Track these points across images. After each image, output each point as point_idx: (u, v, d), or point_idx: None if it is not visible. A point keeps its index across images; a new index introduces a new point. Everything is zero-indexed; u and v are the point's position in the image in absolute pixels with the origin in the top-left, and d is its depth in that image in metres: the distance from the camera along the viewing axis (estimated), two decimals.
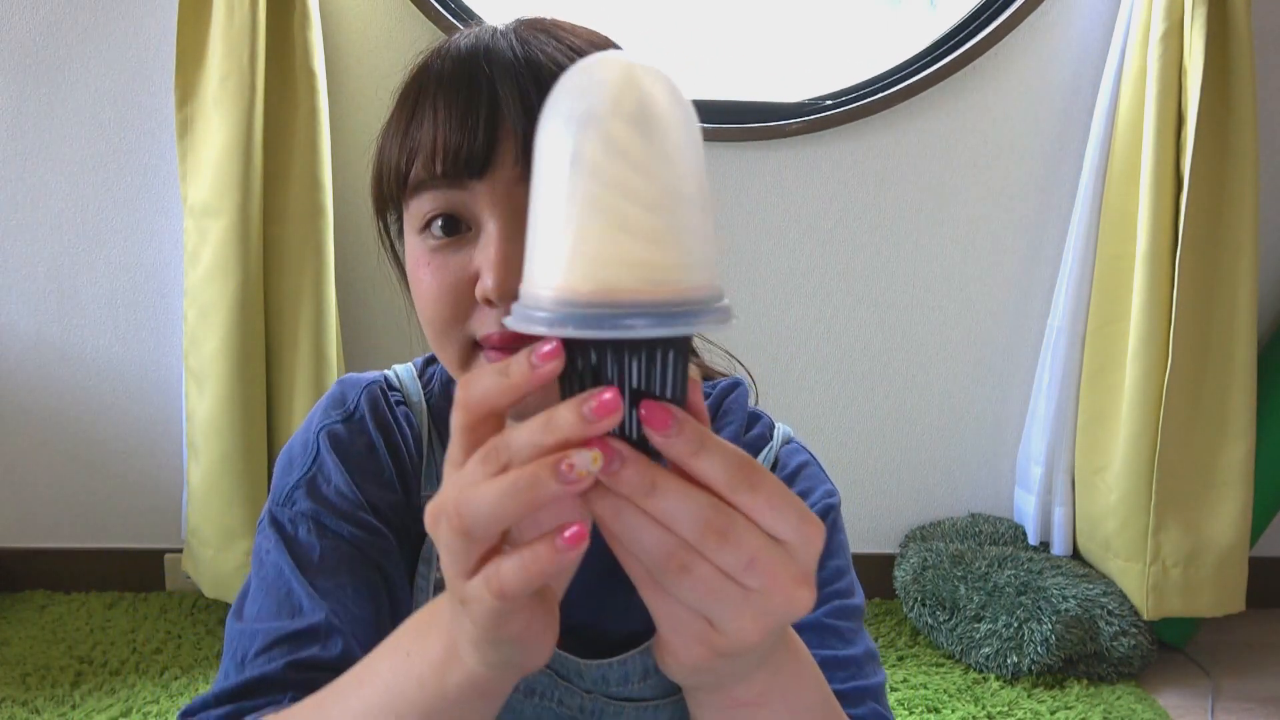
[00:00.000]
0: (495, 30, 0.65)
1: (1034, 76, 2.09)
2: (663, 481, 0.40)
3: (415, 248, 0.63)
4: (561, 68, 0.58)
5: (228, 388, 1.87)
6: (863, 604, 0.74)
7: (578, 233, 0.40)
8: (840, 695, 0.58)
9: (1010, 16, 2.03)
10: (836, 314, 2.19)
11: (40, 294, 2.06)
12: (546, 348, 0.40)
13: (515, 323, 0.41)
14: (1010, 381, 2.25)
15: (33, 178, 2.01)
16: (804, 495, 0.74)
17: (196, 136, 1.88)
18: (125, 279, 2.07)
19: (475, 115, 0.59)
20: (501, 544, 0.42)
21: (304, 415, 2.07)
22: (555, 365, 0.40)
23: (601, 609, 0.71)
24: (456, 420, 0.42)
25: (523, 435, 0.40)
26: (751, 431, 0.77)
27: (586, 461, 0.39)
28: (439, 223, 0.61)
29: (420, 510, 0.70)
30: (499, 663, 0.46)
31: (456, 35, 0.66)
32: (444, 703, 0.48)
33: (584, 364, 0.40)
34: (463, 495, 0.40)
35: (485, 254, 0.59)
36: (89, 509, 2.16)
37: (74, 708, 1.76)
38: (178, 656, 1.92)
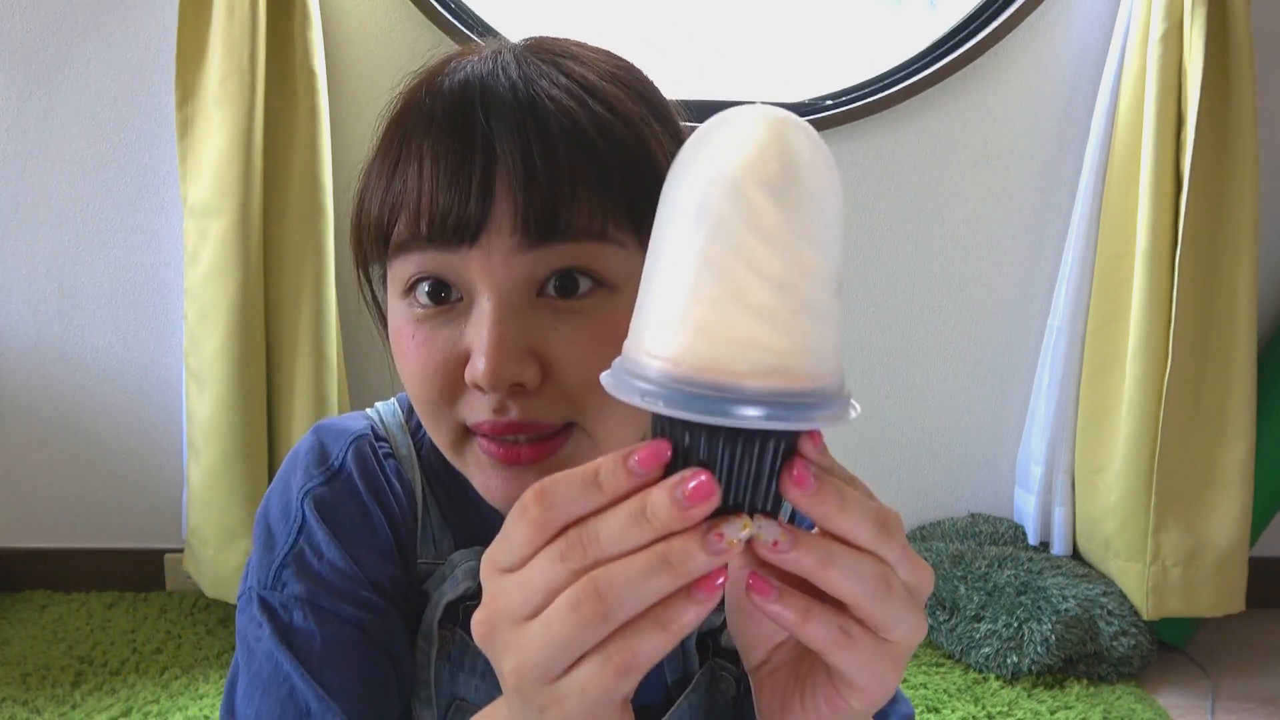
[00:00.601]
0: (496, 59, 0.56)
1: (1034, 76, 2.09)
2: (837, 552, 0.38)
3: (400, 313, 0.56)
4: (570, 114, 0.53)
5: (228, 388, 1.87)
6: (911, 711, 0.73)
7: (695, 301, 0.37)
8: None
9: (1010, 16, 2.03)
10: None
11: (40, 294, 2.06)
12: (693, 483, 0.36)
13: (613, 387, 0.38)
14: (1010, 381, 2.25)
15: (33, 178, 2.01)
16: None
17: (196, 136, 1.88)
18: (125, 279, 2.07)
19: (468, 173, 0.52)
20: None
21: (304, 415, 2.07)
22: (704, 508, 0.36)
23: None
24: (524, 524, 0.38)
25: (613, 528, 0.36)
26: None
27: (736, 530, 0.37)
28: (425, 288, 0.54)
29: (416, 578, 0.64)
30: None
31: (452, 62, 0.58)
32: None
33: (678, 442, 0.38)
34: (601, 574, 0.36)
35: (478, 334, 0.52)
36: (89, 509, 2.16)
37: (74, 708, 1.76)
38: (178, 656, 1.92)
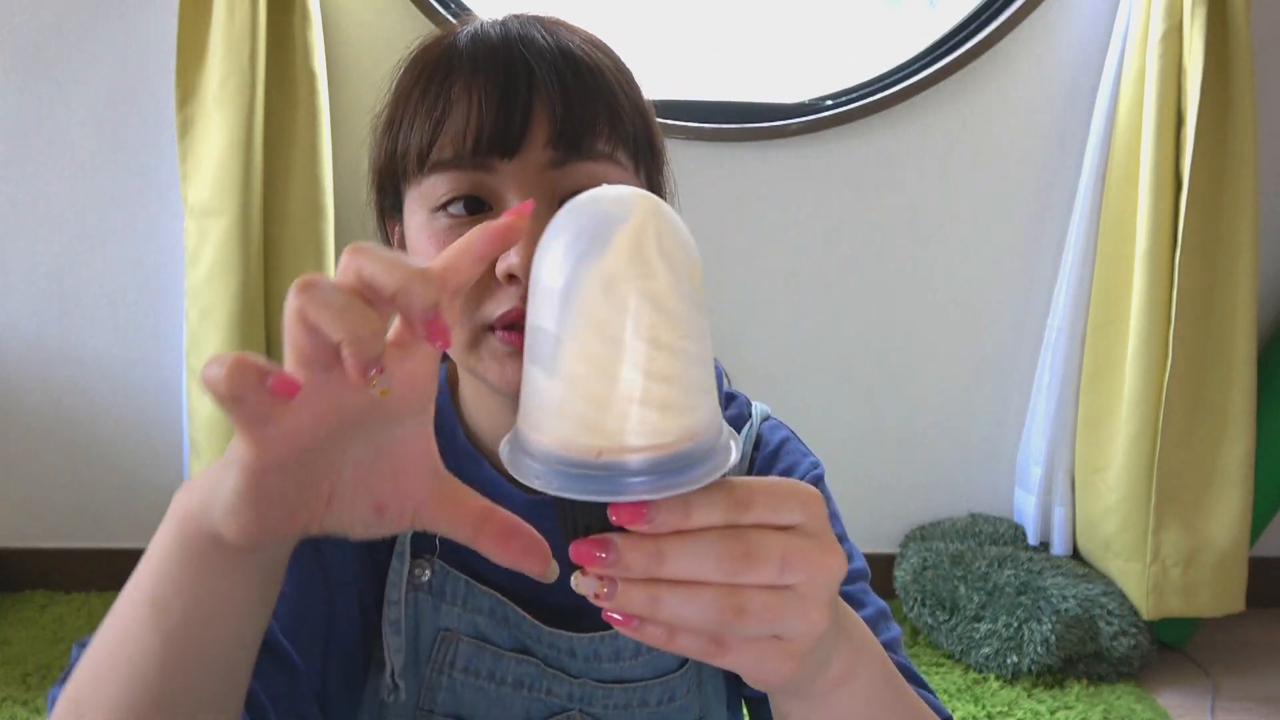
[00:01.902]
0: (514, 20, 0.65)
1: (1034, 76, 2.09)
2: (665, 544, 0.39)
3: (426, 227, 0.62)
4: (592, 58, 0.63)
5: None
6: (865, 566, 0.74)
7: (578, 388, 0.39)
8: None
9: (1010, 17, 2.03)
10: (836, 314, 2.19)
11: (40, 294, 2.06)
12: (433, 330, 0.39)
13: (512, 466, 0.42)
14: (1010, 381, 2.25)
15: (33, 178, 2.01)
16: (789, 471, 0.74)
17: (197, 136, 1.88)
18: (126, 279, 2.07)
19: (514, 97, 0.60)
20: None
21: None
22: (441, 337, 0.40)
23: None
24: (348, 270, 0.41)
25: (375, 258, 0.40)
26: (728, 411, 0.77)
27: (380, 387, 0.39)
28: (460, 202, 0.61)
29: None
30: (220, 508, 0.42)
31: (469, 24, 0.66)
32: (165, 553, 0.46)
33: (573, 515, 0.41)
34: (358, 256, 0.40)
35: None
36: (89, 509, 2.16)
37: None
38: None
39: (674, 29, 2.33)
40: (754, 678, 0.43)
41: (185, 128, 1.88)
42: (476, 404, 0.71)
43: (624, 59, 0.68)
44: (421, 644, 0.69)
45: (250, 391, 0.38)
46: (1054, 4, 2.05)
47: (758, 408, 0.78)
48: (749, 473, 0.74)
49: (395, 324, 0.43)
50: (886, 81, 2.10)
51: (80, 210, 2.03)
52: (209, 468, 0.44)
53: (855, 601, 0.70)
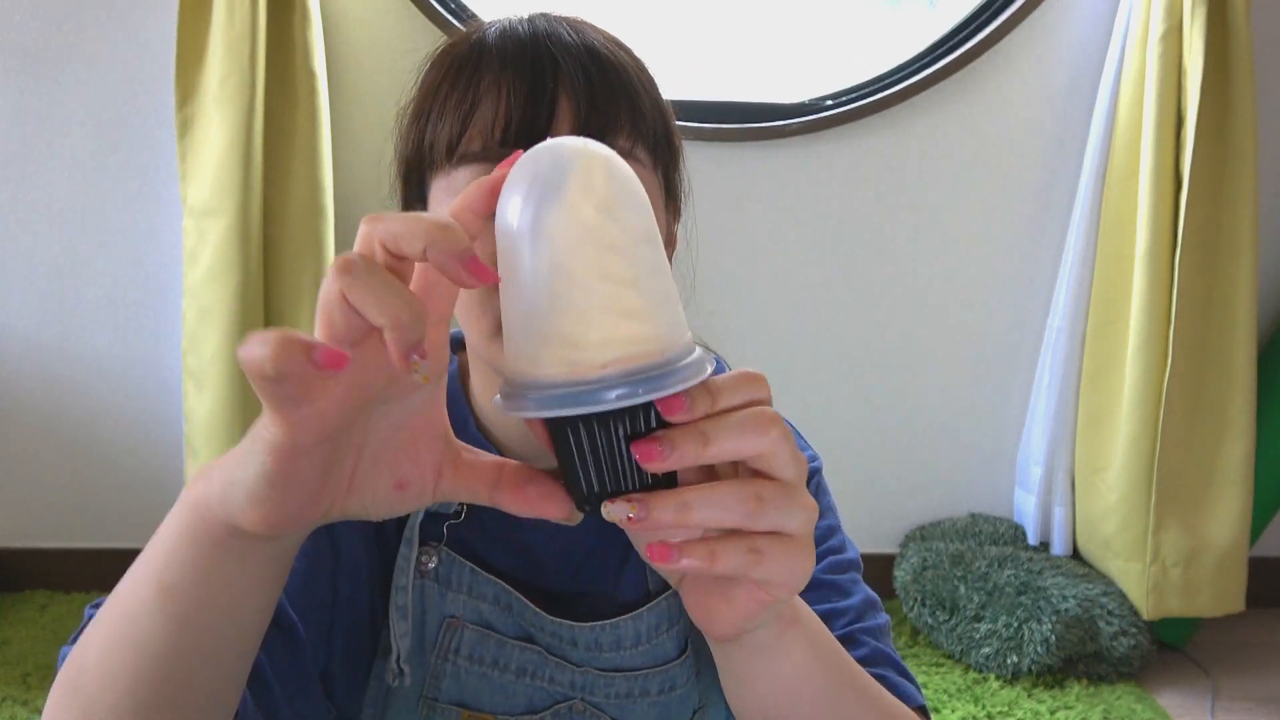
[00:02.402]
0: (541, 18, 0.67)
1: (1034, 77, 2.09)
2: (689, 495, 0.43)
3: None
4: (615, 56, 0.65)
5: (227, 388, 1.87)
6: (857, 557, 0.75)
7: (559, 313, 0.42)
8: (842, 641, 0.59)
9: (1010, 17, 2.03)
10: (836, 314, 2.19)
11: (40, 294, 2.06)
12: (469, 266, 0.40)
13: (508, 407, 0.43)
14: (1010, 381, 2.25)
15: (33, 178, 2.01)
16: None
17: (196, 136, 1.88)
18: (125, 279, 2.07)
19: (540, 90, 0.61)
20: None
21: None
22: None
23: (594, 580, 0.72)
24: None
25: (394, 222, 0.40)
26: None
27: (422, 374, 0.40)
28: None
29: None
30: (240, 495, 0.42)
31: (497, 22, 0.68)
32: (178, 536, 0.46)
33: (563, 441, 0.44)
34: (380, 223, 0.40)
35: None
36: (89, 509, 2.16)
37: None
38: None
39: (675, 29, 2.33)
40: (780, 580, 0.45)
41: (185, 128, 1.88)
42: (489, 395, 0.72)
43: (644, 60, 0.70)
44: (427, 630, 0.70)
45: (296, 367, 0.38)
46: (1054, 4, 2.05)
47: None
48: None
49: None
50: (886, 81, 2.10)
51: (80, 210, 2.03)
52: (225, 456, 0.44)
53: (842, 592, 0.71)
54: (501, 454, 0.71)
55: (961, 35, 2.09)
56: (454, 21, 1.97)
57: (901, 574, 2.15)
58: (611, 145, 0.60)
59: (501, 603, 0.70)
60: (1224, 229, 1.97)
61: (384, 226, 0.40)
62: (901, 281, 2.18)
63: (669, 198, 0.71)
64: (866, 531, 2.28)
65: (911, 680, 0.68)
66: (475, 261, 0.40)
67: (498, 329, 0.62)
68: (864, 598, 0.72)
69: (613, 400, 0.41)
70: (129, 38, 1.96)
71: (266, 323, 1.93)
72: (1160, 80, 1.91)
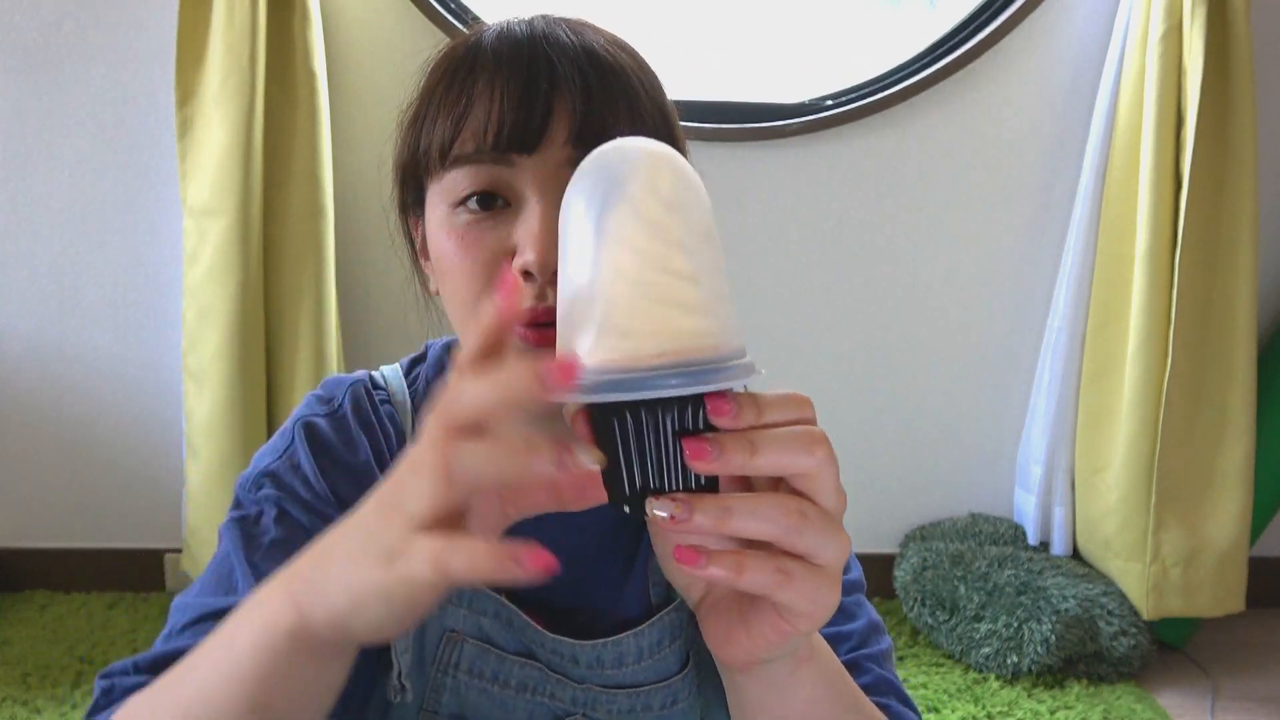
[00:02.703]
0: (540, 19, 0.65)
1: (1034, 77, 2.09)
2: (733, 501, 0.43)
3: (445, 222, 0.63)
4: (614, 56, 0.63)
5: (227, 388, 1.87)
6: (861, 577, 0.75)
7: (616, 304, 0.42)
8: (846, 666, 0.59)
9: (1010, 17, 2.03)
10: (836, 313, 2.19)
11: (40, 294, 2.06)
12: (551, 370, 0.39)
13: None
14: (1010, 381, 2.25)
15: (33, 178, 2.01)
16: None
17: (196, 136, 1.88)
18: (125, 279, 2.07)
19: (535, 92, 0.60)
20: (460, 520, 0.43)
21: None
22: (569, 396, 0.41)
23: (595, 595, 0.72)
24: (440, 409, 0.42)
25: (469, 390, 0.41)
26: None
27: (587, 460, 0.40)
28: (476, 198, 0.61)
29: None
30: (364, 624, 0.44)
31: (496, 24, 0.67)
32: (274, 656, 0.47)
33: (621, 425, 0.43)
34: (452, 446, 0.41)
35: (527, 227, 0.59)
36: (89, 509, 2.16)
37: (74, 707, 1.76)
38: None
39: (675, 29, 2.33)
40: (804, 610, 0.45)
41: (185, 128, 1.88)
42: None
43: (648, 61, 0.68)
44: (427, 645, 0.69)
45: (508, 580, 0.40)
46: (1054, 4, 2.05)
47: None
48: None
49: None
50: (886, 81, 2.10)
51: (80, 210, 2.03)
52: (313, 570, 0.47)
53: (848, 614, 0.71)
54: None
55: (961, 35, 2.09)
56: (454, 21, 1.97)
57: (901, 574, 2.15)
58: None
59: (502, 618, 0.70)
60: (1224, 229, 1.97)
61: (455, 411, 0.41)
62: (901, 281, 2.18)
63: None
64: (866, 531, 2.28)
65: (913, 709, 0.67)
66: (562, 366, 0.40)
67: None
68: (868, 621, 0.71)
69: (668, 387, 0.41)
70: (129, 38, 1.96)
71: (267, 322, 1.93)
72: (1160, 80, 1.91)
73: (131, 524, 2.16)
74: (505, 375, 0.40)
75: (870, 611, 0.72)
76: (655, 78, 0.67)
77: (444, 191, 0.63)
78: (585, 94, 0.60)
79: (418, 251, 0.71)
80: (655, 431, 0.42)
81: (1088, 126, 2.07)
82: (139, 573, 2.16)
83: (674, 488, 0.43)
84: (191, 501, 1.97)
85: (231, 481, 1.86)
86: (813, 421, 0.45)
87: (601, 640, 0.70)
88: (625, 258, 0.42)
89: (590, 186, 0.43)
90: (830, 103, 2.11)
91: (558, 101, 0.60)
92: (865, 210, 2.14)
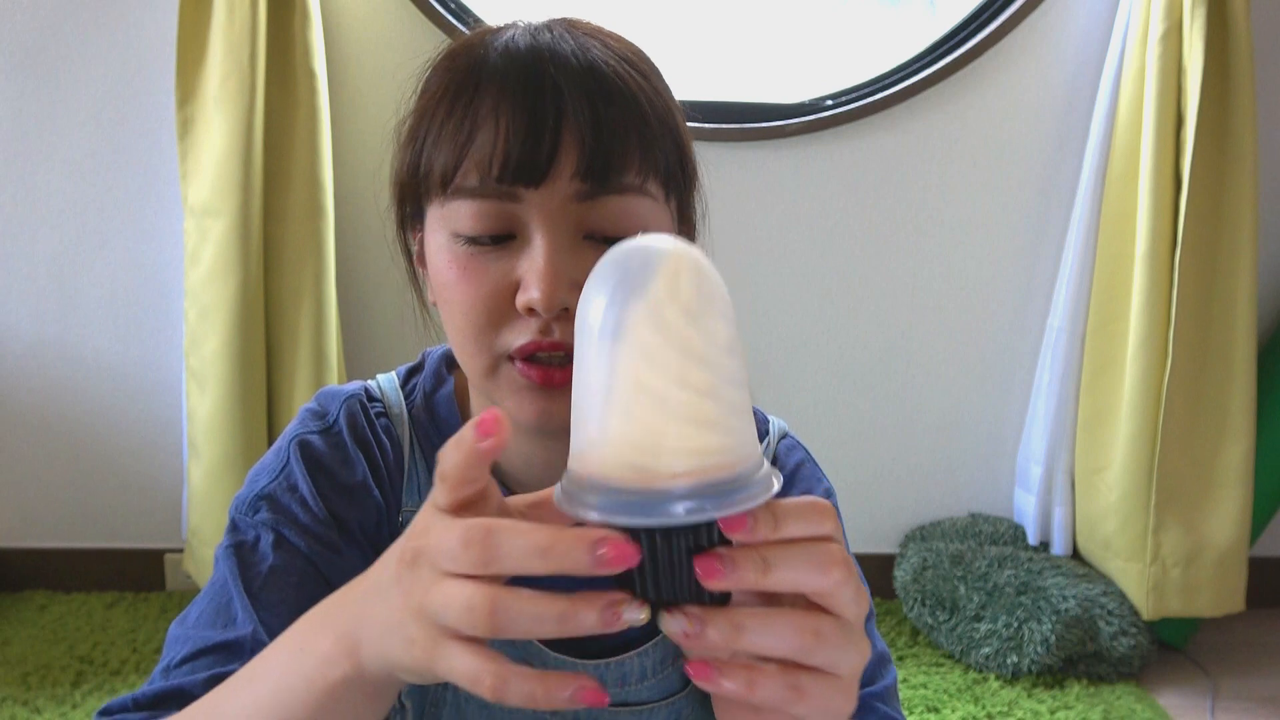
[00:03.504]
0: (547, 30, 0.62)
1: (1034, 76, 2.09)
2: (746, 618, 0.42)
3: (447, 249, 0.61)
4: (623, 80, 0.60)
5: (228, 387, 1.87)
6: (870, 606, 0.73)
7: (633, 417, 0.41)
8: None
9: (1010, 17, 2.03)
10: (836, 314, 2.19)
11: (40, 294, 2.06)
12: (611, 550, 0.39)
13: (570, 506, 0.42)
14: (1010, 381, 2.25)
15: (33, 177, 2.01)
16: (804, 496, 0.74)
17: (197, 136, 1.88)
18: (126, 279, 2.07)
19: (541, 125, 0.58)
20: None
21: None
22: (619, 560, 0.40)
23: None
24: (467, 554, 0.41)
25: (519, 545, 0.40)
26: None
27: (634, 613, 0.41)
28: (481, 229, 0.60)
29: (399, 526, 0.69)
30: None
31: (493, 33, 0.64)
32: (330, 700, 0.47)
33: (635, 542, 0.42)
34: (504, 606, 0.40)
35: (533, 265, 0.58)
36: (89, 509, 2.16)
37: (74, 707, 1.76)
38: None
39: (674, 29, 2.33)
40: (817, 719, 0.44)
41: (185, 128, 1.88)
42: None
43: (659, 72, 0.66)
44: None
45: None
46: (1054, 4, 2.05)
47: (775, 424, 0.77)
48: None
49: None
50: (886, 81, 2.10)
51: (80, 210, 2.03)
52: (356, 629, 0.47)
53: None
54: (503, 484, 0.69)
55: (961, 35, 2.09)
56: (454, 21, 1.97)
57: (901, 574, 2.15)
58: (619, 182, 0.59)
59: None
60: (1224, 229, 1.97)
61: (519, 618, 0.41)
62: (901, 281, 2.18)
63: (681, 222, 0.68)
64: (866, 532, 2.28)
65: None
66: (616, 544, 0.40)
67: (494, 366, 0.61)
68: (876, 655, 0.70)
69: (681, 515, 0.40)
70: (129, 38, 1.96)
71: (267, 323, 1.93)
72: (1160, 80, 1.91)
73: (131, 524, 2.16)
74: (559, 550, 0.39)
75: (878, 641, 0.71)
76: (666, 93, 0.65)
77: (445, 218, 0.61)
78: (594, 125, 0.58)
79: (415, 260, 0.70)
80: (669, 550, 0.42)
81: (1088, 126, 2.07)
82: (139, 573, 2.16)
83: (687, 599, 0.42)
84: (192, 501, 1.97)
85: (232, 481, 1.88)
86: (832, 535, 0.43)
87: (604, 661, 0.69)
88: (643, 369, 0.41)
89: (612, 288, 0.42)
90: (830, 103, 2.11)
91: (565, 133, 0.58)
92: (865, 210, 2.14)
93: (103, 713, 0.60)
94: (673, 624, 0.42)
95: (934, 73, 2.06)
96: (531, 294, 0.58)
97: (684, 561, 0.42)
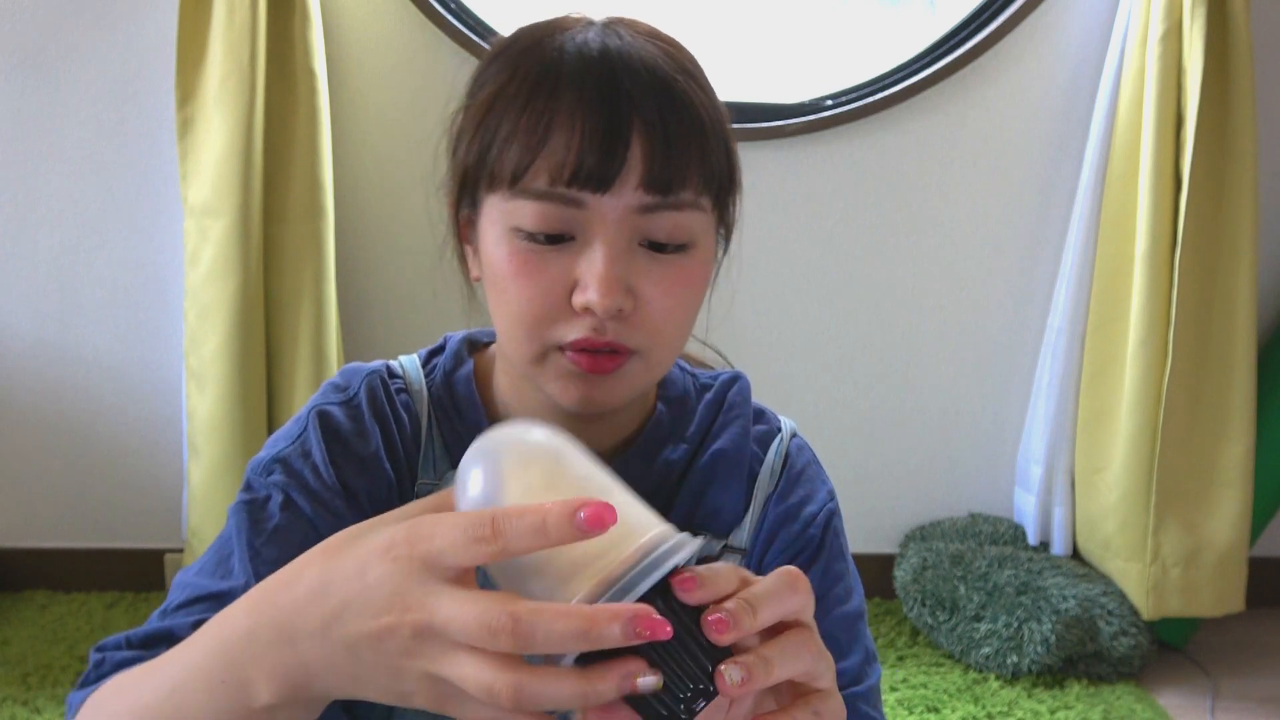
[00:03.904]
0: (615, 34, 0.65)
1: (1034, 76, 2.09)
2: (772, 655, 0.43)
3: (506, 242, 0.64)
4: (689, 96, 0.63)
5: (228, 387, 1.87)
6: (861, 606, 0.75)
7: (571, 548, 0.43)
8: None
9: (1010, 17, 2.03)
10: (836, 314, 2.19)
11: (40, 294, 2.06)
12: (645, 624, 0.41)
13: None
14: (1010, 381, 2.25)
15: (33, 178, 2.01)
16: (808, 499, 0.75)
17: (197, 136, 1.88)
18: (125, 279, 2.07)
19: (615, 134, 0.60)
20: None
21: None
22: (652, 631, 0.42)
23: None
24: (478, 549, 0.43)
25: (557, 631, 0.41)
26: (758, 426, 0.77)
27: (648, 683, 0.41)
28: (543, 229, 0.62)
29: (414, 497, 0.71)
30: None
31: (563, 25, 0.66)
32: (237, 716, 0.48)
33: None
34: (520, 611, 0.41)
35: (592, 268, 0.61)
36: (89, 509, 2.16)
37: None
38: None
39: (674, 29, 2.33)
40: None
41: (185, 128, 1.88)
42: (519, 397, 0.72)
43: (708, 78, 0.68)
44: None
45: None
46: (1054, 4, 2.05)
47: (786, 425, 0.79)
48: (775, 490, 0.75)
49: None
50: (886, 81, 2.10)
51: (80, 210, 2.03)
52: (312, 673, 0.47)
53: (839, 651, 0.70)
54: None
55: (961, 35, 2.09)
56: (454, 22, 1.97)
57: (901, 574, 2.15)
58: (677, 198, 0.63)
59: None
60: (1224, 229, 1.97)
61: (539, 700, 0.42)
62: (901, 281, 2.18)
63: (721, 225, 0.71)
64: (866, 531, 2.28)
65: None
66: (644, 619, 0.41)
67: (543, 355, 0.65)
68: (862, 655, 0.72)
69: (686, 556, 0.44)
70: (129, 38, 1.96)
71: (267, 323, 1.93)
72: (1160, 80, 1.91)
73: (131, 524, 2.16)
74: (596, 631, 0.40)
75: (866, 640, 0.73)
76: (718, 101, 0.67)
77: (508, 212, 0.63)
78: (665, 140, 0.61)
79: (461, 237, 0.72)
80: (670, 612, 0.42)
81: (1088, 126, 2.07)
82: (139, 573, 2.16)
83: (697, 660, 0.43)
84: (192, 501, 1.97)
85: (232, 481, 1.88)
86: (805, 608, 0.46)
87: None
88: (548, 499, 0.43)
89: (482, 485, 0.45)
90: (830, 103, 2.11)
91: (636, 145, 0.61)
92: (865, 210, 2.14)
93: (97, 649, 0.62)
94: (735, 673, 0.42)
95: (934, 73, 2.06)
96: (590, 296, 0.61)
97: (687, 623, 0.42)
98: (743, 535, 0.74)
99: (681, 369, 0.79)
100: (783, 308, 2.17)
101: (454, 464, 0.72)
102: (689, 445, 0.74)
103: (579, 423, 0.68)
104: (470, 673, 0.41)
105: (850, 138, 2.10)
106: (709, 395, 0.77)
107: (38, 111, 1.98)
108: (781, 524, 0.73)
